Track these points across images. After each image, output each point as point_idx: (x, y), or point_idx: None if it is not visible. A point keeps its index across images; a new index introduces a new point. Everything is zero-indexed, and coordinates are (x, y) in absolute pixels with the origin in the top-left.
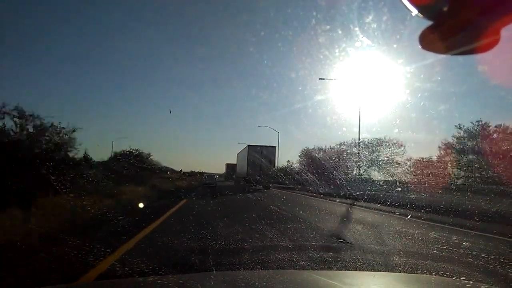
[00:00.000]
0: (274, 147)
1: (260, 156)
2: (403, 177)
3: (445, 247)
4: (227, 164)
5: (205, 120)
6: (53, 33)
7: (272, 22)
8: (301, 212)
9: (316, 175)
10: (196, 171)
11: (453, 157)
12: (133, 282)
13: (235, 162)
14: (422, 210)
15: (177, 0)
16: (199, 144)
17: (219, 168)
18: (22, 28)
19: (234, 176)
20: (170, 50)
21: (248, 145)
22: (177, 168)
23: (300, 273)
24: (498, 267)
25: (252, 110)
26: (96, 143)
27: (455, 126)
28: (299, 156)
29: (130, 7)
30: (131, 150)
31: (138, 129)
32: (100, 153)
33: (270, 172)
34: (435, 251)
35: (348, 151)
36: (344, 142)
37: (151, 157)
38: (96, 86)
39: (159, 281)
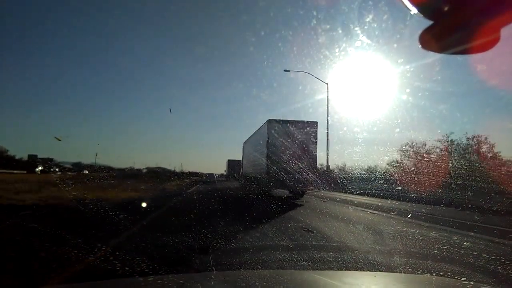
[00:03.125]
0: (315, 123)
1: (290, 138)
2: None
3: None
4: (229, 161)
5: (205, 120)
6: (52, 33)
7: (272, 22)
8: None
9: None
10: (196, 171)
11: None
12: (133, 281)
13: (238, 158)
14: None
15: (177, 0)
16: (199, 145)
17: (219, 169)
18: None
19: (240, 175)
20: (169, 50)
21: (269, 120)
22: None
23: (300, 273)
24: None
25: (252, 110)
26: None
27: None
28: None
29: (130, 8)
30: None
31: (139, 130)
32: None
33: (310, 167)
34: None
35: None
36: None
37: None
38: (95, 87)
39: (159, 281)
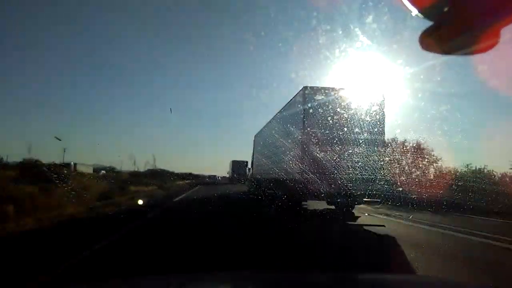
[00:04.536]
0: (381, 95)
1: (342, 117)
2: None
3: None
4: (233, 162)
5: (206, 122)
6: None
7: (272, 22)
8: None
9: None
10: (192, 173)
11: None
12: (133, 281)
13: (242, 159)
14: None
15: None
16: (199, 146)
17: (220, 172)
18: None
19: (249, 177)
20: (168, 48)
21: (306, 88)
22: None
23: (302, 273)
24: None
25: (252, 111)
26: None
27: None
28: None
29: (130, 8)
30: None
31: (139, 131)
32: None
33: (374, 163)
34: None
35: None
36: None
37: None
38: (93, 88)
39: (159, 281)
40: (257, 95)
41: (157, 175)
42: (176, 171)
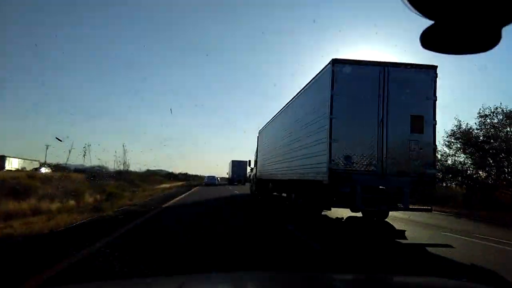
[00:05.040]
0: (433, 69)
1: (383, 96)
2: None
3: None
4: (233, 162)
5: (206, 122)
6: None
7: (275, 20)
8: None
9: None
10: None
11: None
12: (132, 282)
13: (244, 158)
14: None
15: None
16: (200, 148)
17: (219, 172)
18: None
19: (252, 178)
20: (168, 46)
21: (335, 61)
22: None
23: (301, 274)
24: None
25: (253, 111)
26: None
27: None
28: None
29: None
30: None
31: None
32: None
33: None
34: None
35: None
36: None
37: None
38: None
39: (159, 281)
40: (257, 94)
41: (128, 177)
42: (175, 171)
